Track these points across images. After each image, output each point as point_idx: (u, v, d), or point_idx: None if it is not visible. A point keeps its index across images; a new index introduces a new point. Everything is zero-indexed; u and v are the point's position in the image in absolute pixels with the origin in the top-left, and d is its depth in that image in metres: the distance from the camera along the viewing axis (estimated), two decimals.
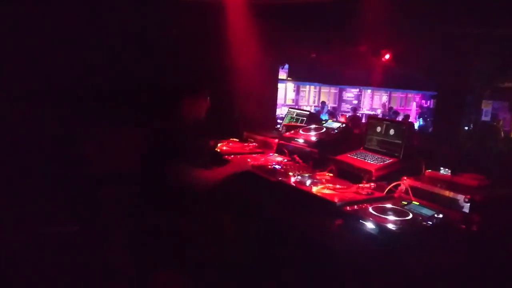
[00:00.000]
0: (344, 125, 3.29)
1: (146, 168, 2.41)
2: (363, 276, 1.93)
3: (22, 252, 3.38)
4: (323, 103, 13.70)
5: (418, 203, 2.14)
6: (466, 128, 8.15)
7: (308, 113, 4.00)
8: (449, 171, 2.37)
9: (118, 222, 3.48)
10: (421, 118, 12.62)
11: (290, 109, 4.14)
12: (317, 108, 13.37)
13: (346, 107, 14.99)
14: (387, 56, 8.44)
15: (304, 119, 3.83)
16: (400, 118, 12.03)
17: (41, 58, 3.95)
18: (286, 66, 10.91)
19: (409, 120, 12.17)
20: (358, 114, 12.97)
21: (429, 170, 2.48)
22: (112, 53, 4.28)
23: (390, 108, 14.48)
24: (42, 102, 3.89)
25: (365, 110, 15.09)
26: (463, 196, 2.02)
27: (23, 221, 3.61)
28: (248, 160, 3.09)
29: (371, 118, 3.23)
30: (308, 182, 2.49)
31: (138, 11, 4.38)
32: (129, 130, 3.01)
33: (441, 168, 2.43)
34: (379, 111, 14.49)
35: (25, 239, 3.55)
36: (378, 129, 2.81)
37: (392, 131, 2.71)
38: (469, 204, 1.99)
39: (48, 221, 3.72)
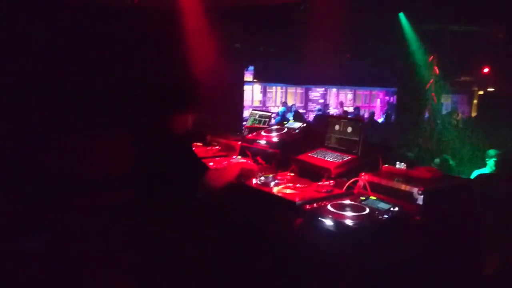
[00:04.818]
0: (305, 124, 3.33)
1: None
2: (324, 273, 1.97)
3: None
4: (285, 103, 13.72)
5: (375, 198, 2.19)
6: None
7: (271, 114, 4.00)
8: (405, 165, 2.45)
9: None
10: (384, 114, 12.93)
11: (253, 111, 4.12)
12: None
13: (313, 106, 15.12)
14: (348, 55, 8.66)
15: (267, 121, 3.84)
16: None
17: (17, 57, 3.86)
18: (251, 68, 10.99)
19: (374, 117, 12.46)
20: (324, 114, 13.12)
21: (386, 165, 2.56)
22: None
23: (356, 108, 14.62)
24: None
25: (331, 108, 15.21)
26: (417, 189, 2.09)
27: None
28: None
29: (330, 116, 3.29)
30: (270, 183, 2.50)
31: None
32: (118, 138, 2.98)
33: (397, 162, 2.51)
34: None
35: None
36: (337, 127, 2.87)
37: (349, 129, 2.76)
38: (422, 196, 2.06)
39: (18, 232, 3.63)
